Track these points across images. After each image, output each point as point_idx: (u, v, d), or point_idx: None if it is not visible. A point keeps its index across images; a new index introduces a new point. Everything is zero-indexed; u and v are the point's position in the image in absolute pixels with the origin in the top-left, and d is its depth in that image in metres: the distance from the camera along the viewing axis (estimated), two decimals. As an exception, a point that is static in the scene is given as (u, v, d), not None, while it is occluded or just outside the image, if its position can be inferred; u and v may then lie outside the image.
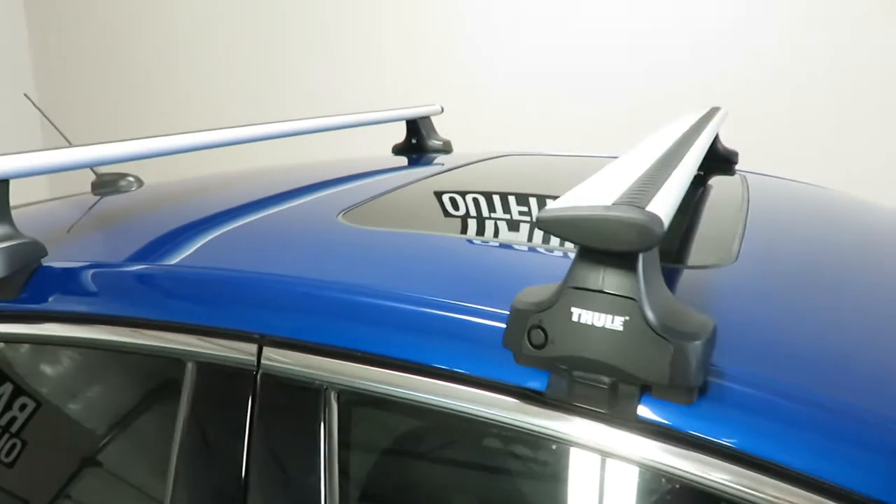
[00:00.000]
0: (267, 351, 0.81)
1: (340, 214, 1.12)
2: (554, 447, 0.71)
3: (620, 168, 0.82)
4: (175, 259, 0.98)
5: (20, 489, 0.97)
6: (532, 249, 1.05)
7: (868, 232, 1.28)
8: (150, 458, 0.91)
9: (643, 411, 0.65)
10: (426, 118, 2.12)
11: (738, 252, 0.97)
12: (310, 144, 2.85)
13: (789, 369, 0.69)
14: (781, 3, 3.35)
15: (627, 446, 0.66)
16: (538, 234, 1.09)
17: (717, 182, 1.57)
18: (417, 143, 2.10)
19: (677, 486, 0.66)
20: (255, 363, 0.81)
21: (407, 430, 0.80)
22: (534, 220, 1.16)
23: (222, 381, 0.83)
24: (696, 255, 1.03)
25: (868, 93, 3.28)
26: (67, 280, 0.95)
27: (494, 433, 0.74)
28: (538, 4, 3.85)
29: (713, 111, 1.73)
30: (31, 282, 0.95)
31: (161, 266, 0.93)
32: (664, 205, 0.62)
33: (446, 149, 2.10)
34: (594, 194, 0.65)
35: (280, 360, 0.80)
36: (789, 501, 0.61)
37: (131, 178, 1.71)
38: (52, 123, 1.77)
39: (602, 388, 0.66)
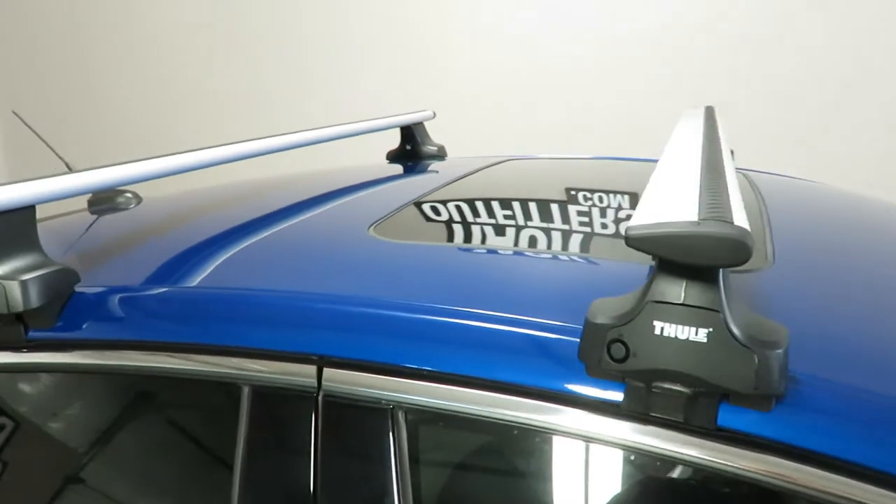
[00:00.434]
0: (327, 372, 0.80)
1: (371, 228, 1.12)
2: (631, 457, 0.72)
3: (672, 179, 0.83)
4: (217, 280, 0.96)
5: None
6: (575, 259, 1.06)
7: (880, 225, 1.32)
8: (208, 485, 0.89)
9: (721, 419, 0.67)
10: (420, 124, 2.12)
11: (773, 254, 0.99)
12: (301, 153, 2.83)
13: (856, 371, 0.71)
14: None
15: (707, 454, 0.67)
16: (575, 243, 1.11)
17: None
18: (412, 149, 2.10)
19: (757, 491, 0.67)
20: (316, 385, 0.80)
21: (475, 445, 0.80)
22: (592, 231, 1.17)
23: (282, 404, 0.82)
24: None
25: (852, 92, 3.38)
26: (108, 306, 0.92)
27: (564, 445, 0.75)
28: (517, 12, 3.89)
29: (710, 111, 1.76)
30: (67, 309, 0.92)
31: (212, 289, 0.92)
32: (744, 218, 0.64)
33: (441, 154, 2.11)
34: (671, 210, 0.66)
35: (342, 380, 0.79)
36: (866, 500, 0.63)
37: (129, 195, 1.67)
38: (45, 142, 1.72)
39: (681, 398, 0.67)
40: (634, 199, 1.43)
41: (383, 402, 0.78)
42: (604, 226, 1.21)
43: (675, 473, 0.71)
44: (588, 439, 0.72)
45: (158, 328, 0.89)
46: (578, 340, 0.69)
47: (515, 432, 0.75)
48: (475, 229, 1.18)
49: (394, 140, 2.11)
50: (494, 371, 0.75)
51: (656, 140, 3.51)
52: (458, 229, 1.18)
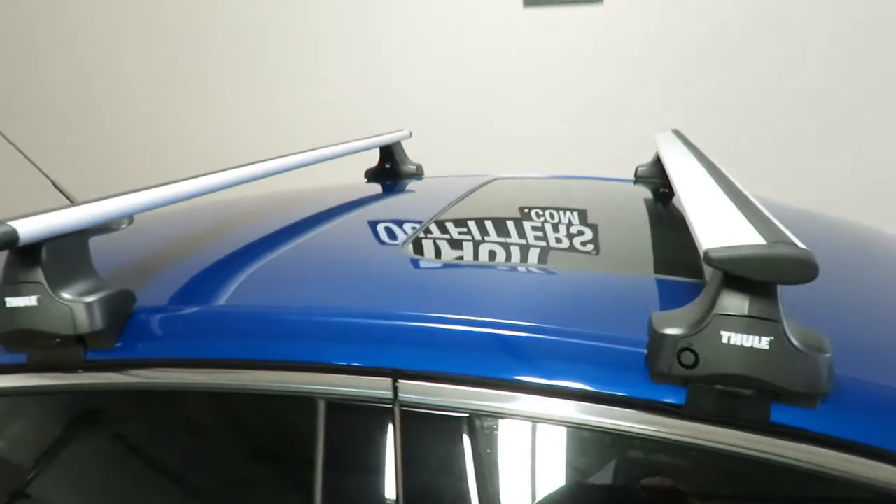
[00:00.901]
0: (402, 384, 0.85)
1: (403, 246, 1.18)
2: (693, 453, 0.80)
3: (706, 205, 0.93)
4: (274, 297, 1.00)
5: None
6: (614, 274, 1.14)
7: (859, 240, 1.48)
8: (289, 498, 0.93)
9: (774, 416, 0.76)
10: (398, 143, 2.18)
11: None
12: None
13: (874, 370, 0.82)
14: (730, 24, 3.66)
15: (761, 447, 0.77)
16: (604, 260, 1.20)
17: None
18: (391, 167, 2.16)
19: (806, 478, 0.77)
20: (392, 397, 0.85)
21: (548, 449, 0.87)
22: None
23: (360, 416, 0.87)
24: None
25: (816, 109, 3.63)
26: (173, 326, 0.95)
27: (630, 445, 0.83)
28: (466, 35, 4.01)
29: (680, 134, 1.90)
30: (128, 330, 0.94)
31: (283, 308, 0.95)
32: (799, 241, 0.74)
33: (419, 172, 2.17)
34: (732, 234, 0.76)
35: (418, 391, 0.85)
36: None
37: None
38: (33, 162, 1.69)
39: (740, 399, 0.76)
40: (642, 217, 1.55)
41: (459, 410, 0.84)
42: (631, 243, 1.32)
43: (733, 466, 0.80)
44: (652, 440, 0.80)
45: (226, 346, 0.92)
46: (629, 349, 0.78)
47: (584, 435, 0.82)
48: (505, 247, 1.26)
49: (365, 158, 2.16)
50: (560, 378, 0.83)
51: (610, 159, 3.69)
52: (487, 247, 1.25)
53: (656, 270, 1.14)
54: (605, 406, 0.81)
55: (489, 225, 1.36)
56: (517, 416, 0.83)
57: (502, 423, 0.84)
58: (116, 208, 1.00)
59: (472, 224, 1.35)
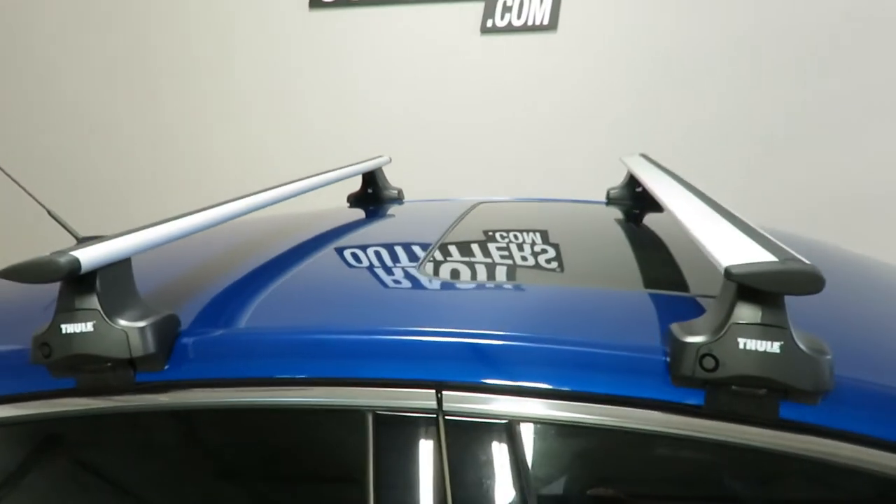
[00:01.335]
0: (447, 396, 0.93)
1: (420, 267, 1.26)
2: (713, 448, 0.90)
3: (710, 225, 1.04)
4: (311, 320, 1.06)
5: None
6: (622, 288, 1.24)
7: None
8: None
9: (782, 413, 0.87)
10: (379, 169, 2.26)
11: None
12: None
13: (866, 369, 0.93)
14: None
15: (772, 440, 0.87)
16: (609, 277, 1.30)
17: (666, 219, 1.85)
18: (373, 192, 2.23)
19: (811, 466, 0.88)
20: (437, 408, 0.93)
21: (583, 450, 0.95)
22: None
23: (406, 427, 0.93)
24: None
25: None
26: (218, 347, 1.00)
27: (660, 444, 0.92)
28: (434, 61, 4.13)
29: (648, 158, 2.03)
30: (176, 352, 0.99)
31: (328, 328, 1.01)
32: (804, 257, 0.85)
33: (400, 197, 2.26)
34: (742, 252, 0.86)
35: (462, 402, 0.93)
36: (888, 466, 0.85)
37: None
38: (23, 187, 1.70)
39: (754, 398, 0.86)
40: (630, 237, 1.66)
41: (501, 418, 0.92)
42: (627, 262, 1.42)
43: (748, 457, 0.89)
44: (675, 438, 0.90)
45: (274, 365, 0.97)
46: (647, 356, 0.89)
47: (615, 437, 0.91)
48: (515, 266, 1.35)
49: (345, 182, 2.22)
50: (594, 386, 0.91)
51: (569, 179, 3.82)
52: (500, 266, 1.34)
53: (657, 286, 1.25)
54: (633, 409, 0.90)
55: (496, 246, 1.45)
56: (553, 421, 0.92)
57: (540, 429, 0.93)
58: (162, 235, 1.05)
59: (479, 245, 1.44)
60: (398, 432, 0.94)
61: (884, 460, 0.85)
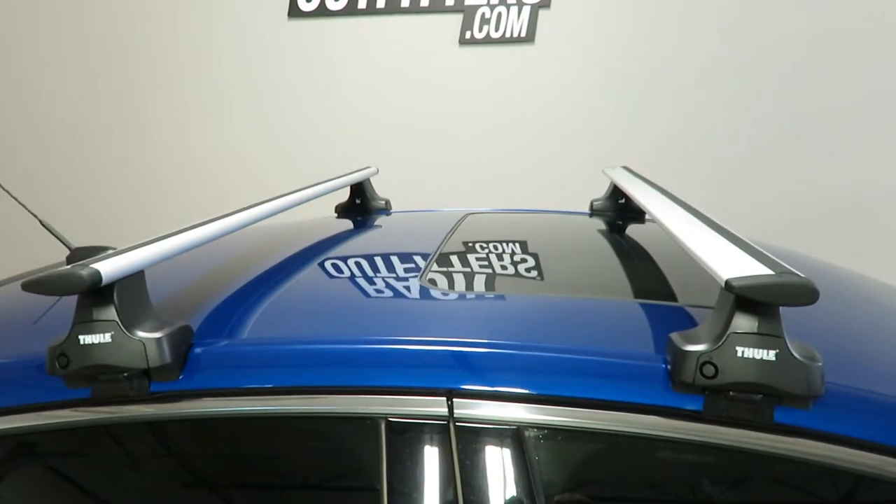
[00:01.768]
0: (457, 403, 0.96)
1: (420, 279, 1.29)
2: (711, 452, 0.95)
3: (703, 238, 1.09)
4: (322, 330, 1.09)
5: None
6: (616, 299, 1.28)
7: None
8: None
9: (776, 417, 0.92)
10: (367, 180, 2.29)
11: None
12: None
13: (854, 376, 0.99)
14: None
15: (768, 443, 0.92)
16: (604, 288, 1.34)
17: (650, 230, 1.91)
18: (361, 203, 2.26)
19: (804, 467, 0.93)
20: (448, 415, 0.96)
21: (589, 455, 0.99)
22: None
23: (419, 434, 0.97)
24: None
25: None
26: (230, 357, 1.02)
27: (663, 448, 0.97)
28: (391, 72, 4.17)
29: (631, 170, 2.09)
30: (190, 362, 1.01)
31: (341, 339, 1.04)
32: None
33: (387, 207, 2.29)
34: (744, 265, 0.91)
35: (471, 409, 0.96)
36: (875, 466, 0.90)
37: (112, 250, 1.70)
38: (18, 200, 1.70)
39: (750, 403, 0.91)
40: (616, 248, 1.72)
41: (509, 424, 0.96)
42: (616, 272, 1.47)
43: (745, 460, 0.94)
44: (676, 442, 0.94)
45: (286, 374, 1.00)
46: (649, 364, 0.94)
47: (618, 441, 0.96)
48: (513, 275, 1.39)
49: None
50: (599, 392, 0.96)
51: (547, 189, 3.88)
52: (498, 276, 1.38)
53: (652, 297, 1.30)
54: (637, 415, 0.94)
55: (493, 256, 1.50)
56: (561, 427, 0.96)
57: (548, 434, 0.97)
58: (175, 247, 1.07)
59: (476, 256, 1.48)
60: (410, 439, 0.97)
61: (870, 461, 0.90)
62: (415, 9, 4.09)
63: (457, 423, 0.96)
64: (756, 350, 0.89)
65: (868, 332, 1.28)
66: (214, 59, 4.38)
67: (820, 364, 0.89)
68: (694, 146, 4.00)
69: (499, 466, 0.96)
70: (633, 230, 1.97)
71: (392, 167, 4.15)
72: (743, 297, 0.87)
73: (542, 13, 4.00)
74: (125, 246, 1.06)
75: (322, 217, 2.21)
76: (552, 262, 1.51)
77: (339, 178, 2.08)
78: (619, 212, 2.14)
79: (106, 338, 0.94)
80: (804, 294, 0.85)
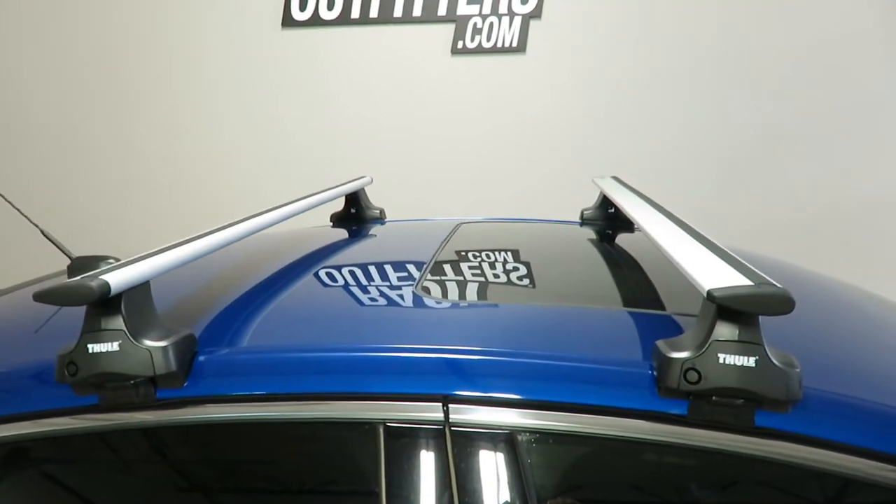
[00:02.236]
0: (453, 408, 1.00)
1: (414, 287, 1.33)
2: (695, 454, 0.99)
3: (683, 249, 1.13)
4: (322, 338, 1.13)
5: None
6: (606, 308, 1.32)
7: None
8: None
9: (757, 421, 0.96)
10: (361, 189, 2.33)
11: None
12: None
13: (831, 381, 1.04)
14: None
15: (750, 446, 0.96)
16: (597, 297, 1.39)
17: (639, 240, 1.96)
18: (356, 212, 2.30)
19: (784, 469, 0.97)
20: (444, 420, 1.00)
21: (580, 458, 1.03)
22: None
23: (416, 439, 1.00)
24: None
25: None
26: (233, 365, 1.06)
27: (649, 451, 1.01)
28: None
29: (621, 180, 2.14)
30: (194, 370, 1.04)
31: (341, 346, 1.08)
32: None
33: (382, 216, 2.33)
34: (719, 275, 0.96)
35: (466, 414, 1.00)
36: (851, 468, 0.95)
37: (112, 261, 1.73)
38: (18, 209, 1.73)
39: (732, 407, 0.95)
40: (608, 258, 1.76)
41: (503, 429, 1.00)
42: (613, 281, 1.52)
43: (728, 462, 0.99)
44: (661, 445, 0.98)
45: (287, 381, 1.04)
46: (636, 370, 0.98)
47: (606, 444, 1.00)
48: (506, 283, 1.43)
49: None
50: (588, 398, 1.00)
51: (539, 198, 3.92)
52: (492, 285, 1.42)
53: (640, 305, 1.35)
54: (624, 419, 0.99)
55: (486, 265, 1.54)
56: (553, 431, 1.00)
57: (540, 438, 1.01)
58: (180, 257, 1.11)
59: (470, 265, 1.53)
60: (407, 443, 1.01)
61: (847, 463, 0.95)
62: (408, 18, 4.14)
63: (452, 428, 1.00)
64: (737, 357, 0.93)
65: (845, 337, 1.32)
66: (209, 68, 4.41)
67: (798, 370, 0.93)
68: (683, 155, 4.07)
69: (493, 469, 1.00)
70: (622, 240, 2.02)
71: (386, 174, 4.20)
72: (724, 307, 0.92)
73: (533, 23, 4.06)
74: (120, 254, 1.10)
75: (318, 226, 2.25)
76: (544, 271, 1.56)
77: (334, 188, 2.12)
78: (609, 221, 2.18)
79: (114, 346, 0.98)
80: (781, 304, 0.89)
